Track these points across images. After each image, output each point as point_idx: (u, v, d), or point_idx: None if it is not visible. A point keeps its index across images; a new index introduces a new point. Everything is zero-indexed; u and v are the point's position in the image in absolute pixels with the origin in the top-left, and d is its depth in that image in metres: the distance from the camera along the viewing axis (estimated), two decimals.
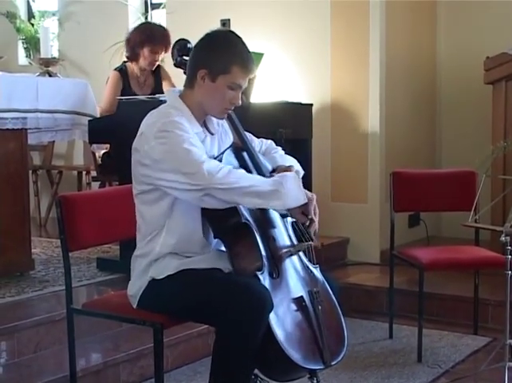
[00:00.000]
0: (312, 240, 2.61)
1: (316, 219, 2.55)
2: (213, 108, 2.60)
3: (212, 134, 2.68)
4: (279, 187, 2.44)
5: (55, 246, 5.02)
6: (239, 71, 2.55)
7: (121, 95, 4.80)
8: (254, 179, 2.47)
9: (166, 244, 2.56)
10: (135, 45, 4.86)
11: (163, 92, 4.86)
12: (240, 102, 2.61)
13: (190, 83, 2.61)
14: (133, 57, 4.92)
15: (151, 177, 2.50)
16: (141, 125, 2.57)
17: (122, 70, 4.95)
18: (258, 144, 2.83)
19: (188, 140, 2.46)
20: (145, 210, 2.59)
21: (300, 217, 2.55)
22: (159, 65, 5.06)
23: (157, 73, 5.07)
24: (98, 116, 4.55)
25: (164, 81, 5.06)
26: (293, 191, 2.46)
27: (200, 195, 2.41)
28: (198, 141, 2.53)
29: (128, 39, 4.92)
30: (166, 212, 2.55)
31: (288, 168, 2.64)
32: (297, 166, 2.74)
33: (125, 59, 5.03)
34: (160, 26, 5.06)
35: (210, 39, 2.60)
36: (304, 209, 2.52)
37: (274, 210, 2.58)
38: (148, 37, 4.83)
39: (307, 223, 2.55)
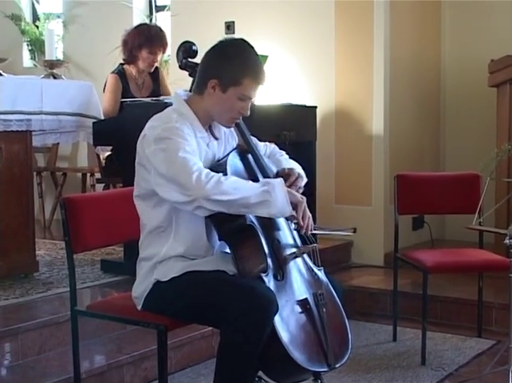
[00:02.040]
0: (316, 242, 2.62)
1: (303, 223, 2.52)
2: (221, 117, 2.60)
3: (216, 139, 2.68)
4: (267, 197, 2.42)
5: (59, 248, 5.03)
6: (250, 83, 2.54)
7: (121, 98, 4.80)
8: (243, 191, 2.42)
9: (173, 249, 2.56)
10: (133, 48, 4.84)
11: (161, 95, 4.86)
12: (249, 113, 2.61)
13: (199, 90, 2.60)
14: (131, 59, 4.90)
15: (151, 182, 2.51)
16: (145, 128, 2.57)
17: (120, 73, 4.93)
18: (263, 147, 2.83)
19: (184, 147, 2.45)
20: (147, 212, 2.59)
21: (292, 220, 2.56)
22: (157, 68, 5.06)
23: (156, 76, 5.06)
24: (102, 118, 4.55)
25: (161, 85, 5.06)
26: (279, 202, 2.43)
27: (192, 207, 2.41)
28: (195, 147, 2.51)
29: (126, 42, 4.88)
30: (167, 216, 2.55)
31: (291, 171, 2.66)
32: (300, 171, 2.74)
33: (122, 61, 5.02)
34: (156, 27, 5.06)
35: (223, 48, 2.60)
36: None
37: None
38: (146, 38, 4.82)
39: (296, 227, 2.56)
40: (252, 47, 2.61)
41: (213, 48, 2.61)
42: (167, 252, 2.57)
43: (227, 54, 2.57)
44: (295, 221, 2.54)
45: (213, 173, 2.43)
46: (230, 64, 2.54)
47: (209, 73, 2.57)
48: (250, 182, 2.50)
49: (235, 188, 2.41)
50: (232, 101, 2.55)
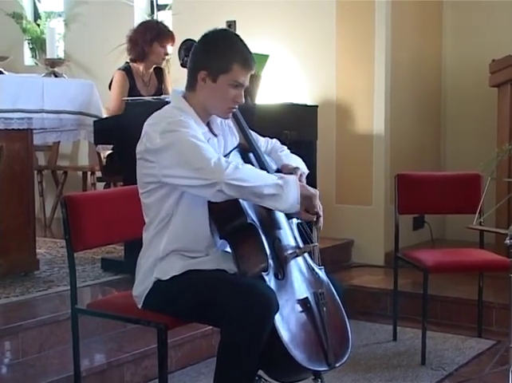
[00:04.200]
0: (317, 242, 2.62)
1: (321, 214, 2.54)
2: (217, 108, 2.61)
3: (215, 135, 2.68)
4: (280, 191, 2.43)
5: (60, 247, 5.03)
6: (239, 69, 2.55)
7: (127, 95, 4.79)
8: (259, 179, 2.45)
9: (170, 241, 2.55)
10: (144, 45, 4.83)
11: (165, 93, 4.85)
12: (243, 100, 2.62)
13: (191, 86, 2.61)
14: (142, 56, 4.89)
15: (157, 175, 2.50)
16: (144, 127, 2.56)
17: (127, 69, 4.93)
18: (264, 143, 2.83)
19: (195, 135, 2.47)
20: (152, 209, 2.59)
21: (305, 216, 2.55)
22: (161, 68, 5.07)
23: (159, 74, 5.06)
24: (103, 116, 4.55)
25: (164, 85, 5.07)
26: (290, 199, 2.44)
27: (212, 191, 2.41)
28: (204, 139, 2.53)
29: (135, 40, 4.87)
30: (170, 210, 2.54)
31: (293, 170, 2.65)
32: (302, 166, 2.75)
33: (128, 60, 5.01)
34: (161, 21, 5.11)
35: (207, 40, 2.61)
36: (308, 206, 2.51)
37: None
38: (157, 32, 4.84)
39: (314, 219, 2.55)
40: (237, 35, 2.62)
41: (197, 42, 2.63)
42: (166, 247, 2.56)
43: (213, 44, 2.58)
44: (309, 218, 2.53)
45: (229, 159, 2.47)
46: (217, 52, 2.55)
47: (197, 66, 2.58)
48: (265, 172, 2.52)
49: (252, 176, 2.44)
50: (224, 90, 2.55)
